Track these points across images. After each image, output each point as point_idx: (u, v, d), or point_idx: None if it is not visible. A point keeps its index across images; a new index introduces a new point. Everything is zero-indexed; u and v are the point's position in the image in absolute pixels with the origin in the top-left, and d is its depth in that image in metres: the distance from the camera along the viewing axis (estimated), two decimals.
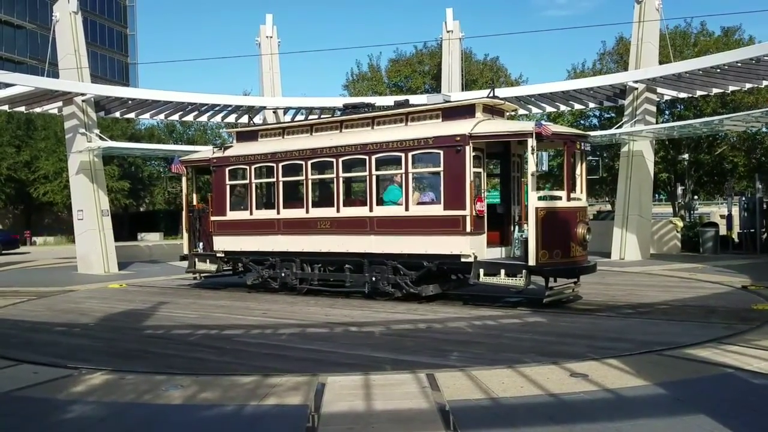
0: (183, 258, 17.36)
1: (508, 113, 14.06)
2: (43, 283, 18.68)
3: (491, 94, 13.16)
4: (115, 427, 5.68)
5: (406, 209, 12.84)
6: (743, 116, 20.23)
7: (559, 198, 11.83)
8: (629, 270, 18.51)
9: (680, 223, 25.73)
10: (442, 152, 12.28)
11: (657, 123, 23.10)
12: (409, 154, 12.72)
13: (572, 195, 11.97)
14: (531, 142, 11.20)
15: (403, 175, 12.83)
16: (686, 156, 31.65)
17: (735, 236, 25.77)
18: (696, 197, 38.79)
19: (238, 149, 15.93)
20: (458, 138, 11.98)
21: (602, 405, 5.84)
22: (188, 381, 6.89)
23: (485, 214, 12.21)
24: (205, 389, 6.57)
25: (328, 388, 6.46)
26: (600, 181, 37.43)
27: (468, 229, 11.90)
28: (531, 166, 11.37)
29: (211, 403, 6.15)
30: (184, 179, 17.18)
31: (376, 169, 13.32)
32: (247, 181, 15.58)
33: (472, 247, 11.96)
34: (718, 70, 19.07)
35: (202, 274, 16.62)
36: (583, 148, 12.25)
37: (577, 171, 12.33)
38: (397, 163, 12.99)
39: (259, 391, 6.44)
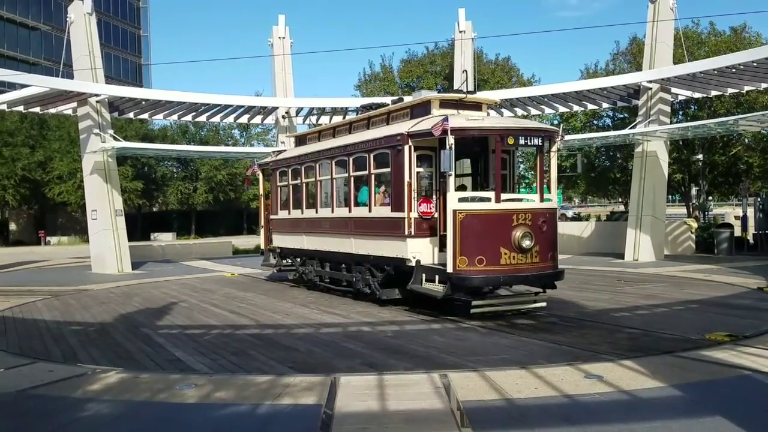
0: (261, 252, 19.03)
1: (488, 107, 12.94)
2: (57, 282, 18.81)
3: (460, 88, 12.56)
4: (130, 425, 5.71)
5: (369, 210, 12.65)
6: (758, 116, 20.00)
7: (488, 200, 10.68)
8: (642, 271, 18.32)
9: (694, 224, 25.54)
10: (390, 152, 11.85)
11: (671, 123, 22.92)
12: (371, 155, 12.48)
13: (508, 196, 10.98)
14: (449, 140, 10.14)
15: (367, 176, 12.63)
16: (700, 156, 31.39)
17: (750, 237, 25.53)
18: (710, 198, 38.41)
19: (286, 153, 16.85)
20: (398, 137, 11.48)
21: (617, 406, 5.80)
22: (203, 380, 6.92)
23: (433, 216, 11.46)
24: (220, 388, 6.59)
25: (341, 388, 6.47)
26: (614, 181, 37.30)
27: (406, 231, 11.31)
28: (443, 165, 10.48)
29: (225, 402, 6.17)
30: (260, 180, 18.88)
31: (354, 171, 13.17)
32: (287, 183, 16.40)
33: (413, 250, 11.34)
34: (734, 70, 18.88)
35: (280, 267, 17.79)
36: (528, 143, 10.76)
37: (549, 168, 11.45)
38: (366, 164, 12.74)
39: (273, 390, 6.45)
